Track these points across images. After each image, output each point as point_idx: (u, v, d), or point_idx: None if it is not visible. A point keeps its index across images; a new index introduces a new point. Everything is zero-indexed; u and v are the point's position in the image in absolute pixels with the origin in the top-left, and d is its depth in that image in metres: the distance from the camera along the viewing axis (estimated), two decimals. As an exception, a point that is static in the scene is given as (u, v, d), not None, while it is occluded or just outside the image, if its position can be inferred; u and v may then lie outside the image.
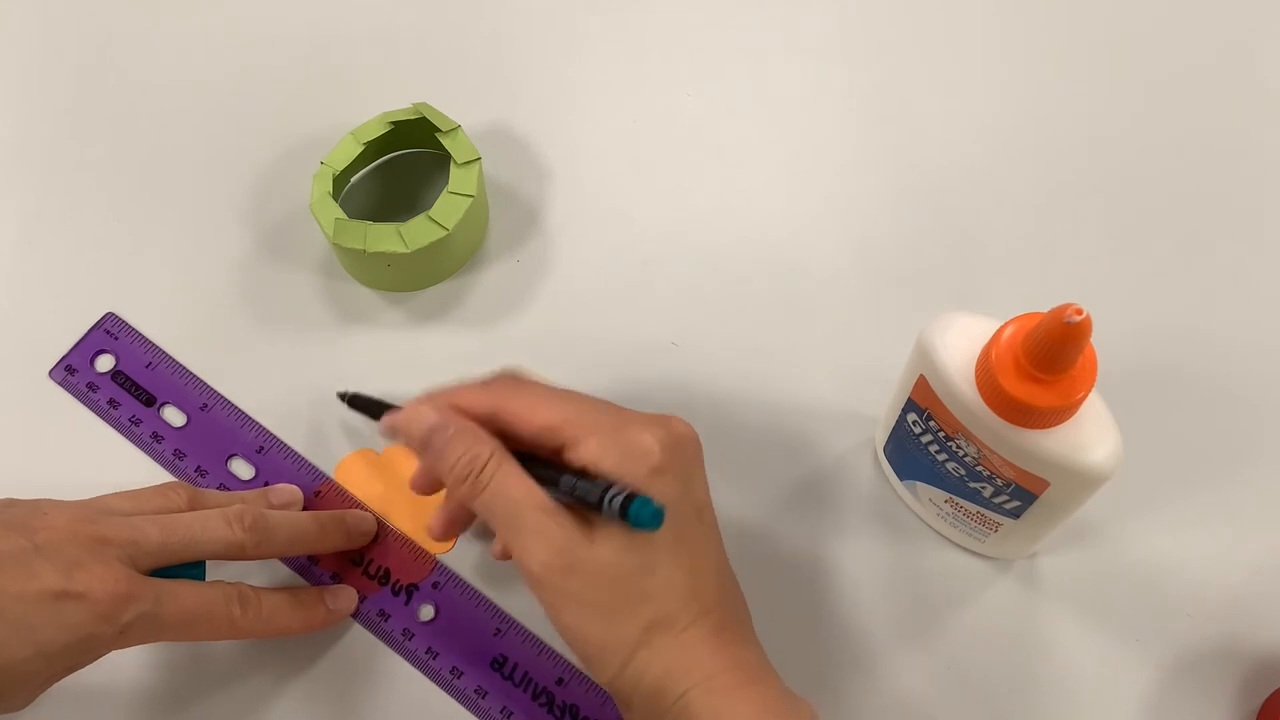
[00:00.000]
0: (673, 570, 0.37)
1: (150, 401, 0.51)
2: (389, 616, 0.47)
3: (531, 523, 0.38)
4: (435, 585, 0.47)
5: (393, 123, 0.53)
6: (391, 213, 0.55)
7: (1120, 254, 0.54)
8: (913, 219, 0.55)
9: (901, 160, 0.57)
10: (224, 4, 0.61)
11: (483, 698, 0.46)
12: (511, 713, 0.45)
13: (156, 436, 0.50)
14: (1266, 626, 0.46)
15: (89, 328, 0.53)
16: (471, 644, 0.46)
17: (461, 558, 0.48)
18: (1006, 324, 0.37)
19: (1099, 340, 0.36)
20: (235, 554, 0.43)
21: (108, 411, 0.51)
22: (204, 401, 0.51)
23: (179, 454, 0.50)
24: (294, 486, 0.49)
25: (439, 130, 0.53)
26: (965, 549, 0.48)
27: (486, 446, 0.39)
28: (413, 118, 0.53)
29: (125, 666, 0.46)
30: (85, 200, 0.56)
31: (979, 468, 0.42)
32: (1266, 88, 0.58)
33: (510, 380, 0.42)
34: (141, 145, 0.57)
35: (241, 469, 0.50)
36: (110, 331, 0.53)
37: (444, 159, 0.53)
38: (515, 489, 0.38)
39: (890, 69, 0.59)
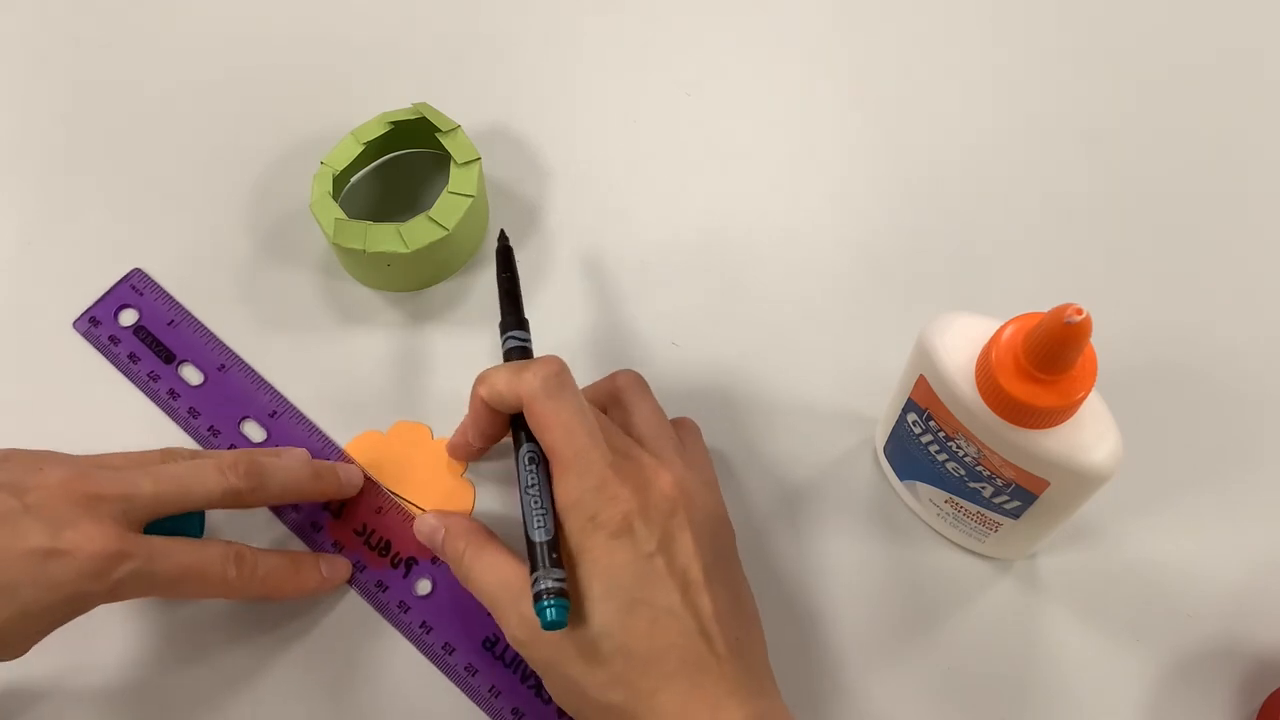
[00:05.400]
0: (623, 638, 0.38)
1: (169, 359, 0.52)
2: (386, 588, 0.47)
3: (499, 605, 0.42)
4: (435, 560, 0.48)
5: (393, 123, 0.53)
6: (391, 213, 0.55)
7: (1120, 254, 0.54)
8: (913, 219, 0.55)
9: (902, 160, 0.57)
10: (224, 4, 0.61)
11: (472, 675, 0.46)
12: (499, 693, 0.45)
13: (173, 394, 0.51)
14: (1266, 626, 0.46)
15: (114, 283, 0.53)
16: (466, 622, 0.47)
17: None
18: (1006, 324, 0.37)
19: (1099, 340, 0.36)
20: (232, 501, 0.43)
21: (127, 365, 0.52)
22: (222, 362, 0.52)
23: (193, 412, 0.51)
24: (303, 450, 0.49)
25: (439, 130, 0.53)
26: (965, 549, 0.48)
27: (462, 541, 0.44)
28: (413, 118, 0.53)
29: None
30: (85, 202, 0.56)
31: (979, 468, 0.42)
32: (1267, 86, 0.59)
33: (606, 389, 0.46)
34: (141, 146, 0.57)
35: (254, 431, 0.50)
36: (136, 287, 0.53)
37: (444, 159, 0.53)
38: (484, 576, 0.42)
39: (890, 69, 0.59)
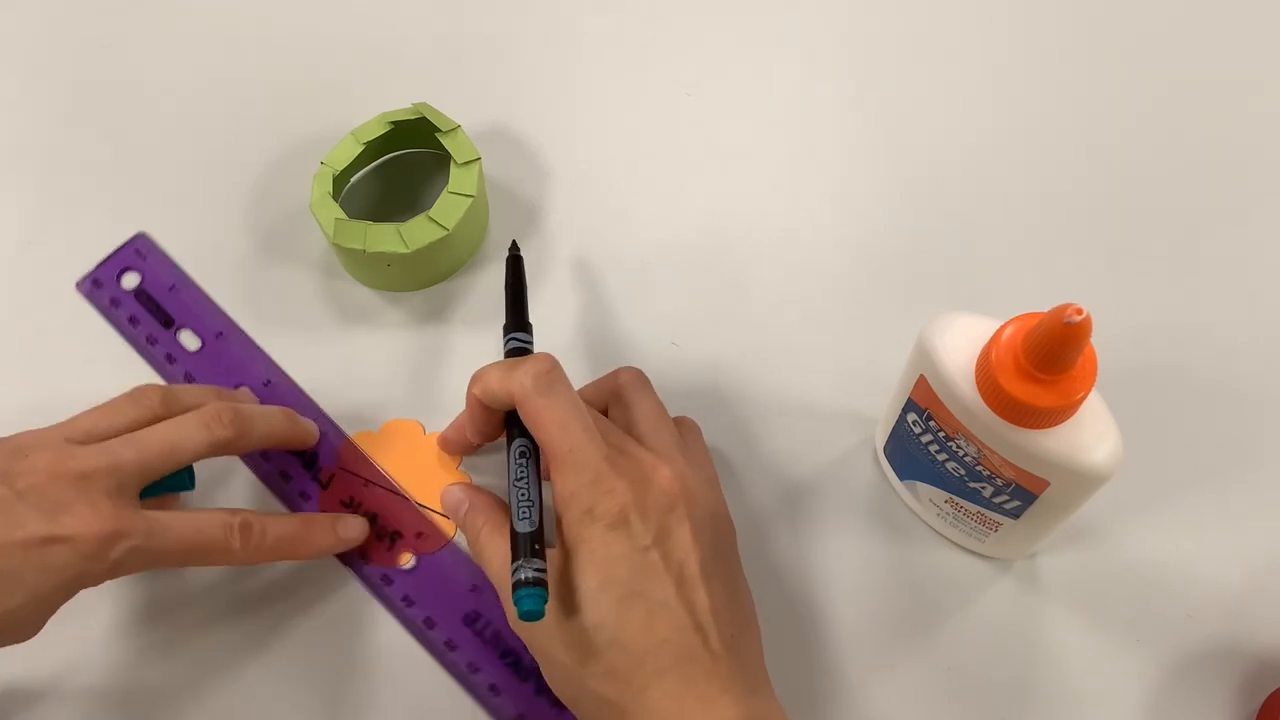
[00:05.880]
0: (617, 631, 0.38)
1: (169, 323, 0.52)
2: (370, 561, 0.48)
3: (503, 589, 0.41)
4: (419, 535, 0.48)
5: (393, 123, 0.53)
6: (391, 213, 0.55)
7: (1120, 254, 0.54)
8: (913, 219, 0.55)
9: (902, 160, 0.57)
10: (224, 5, 0.61)
11: (452, 650, 0.46)
12: (478, 669, 0.46)
13: (170, 358, 0.52)
14: (1266, 626, 0.46)
15: (118, 246, 0.54)
16: (448, 597, 0.47)
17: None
18: (1006, 324, 0.37)
19: (1099, 340, 0.36)
20: (219, 451, 0.44)
21: (127, 328, 0.52)
22: (220, 329, 0.52)
23: (189, 377, 0.51)
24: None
25: (439, 130, 0.53)
26: (965, 549, 0.48)
27: (481, 518, 0.44)
28: (413, 118, 0.53)
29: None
30: (86, 202, 0.56)
31: (979, 468, 0.42)
32: (1267, 87, 0.59)
33: (608, 386, 0.47)
34: (142, 146, 0.57)
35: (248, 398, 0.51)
36: (140, 251, 0.54)
37: (444, 159, 0.53)
38: (493, 559, 0.42)
39: (890, 69, 0.59)
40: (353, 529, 0.47)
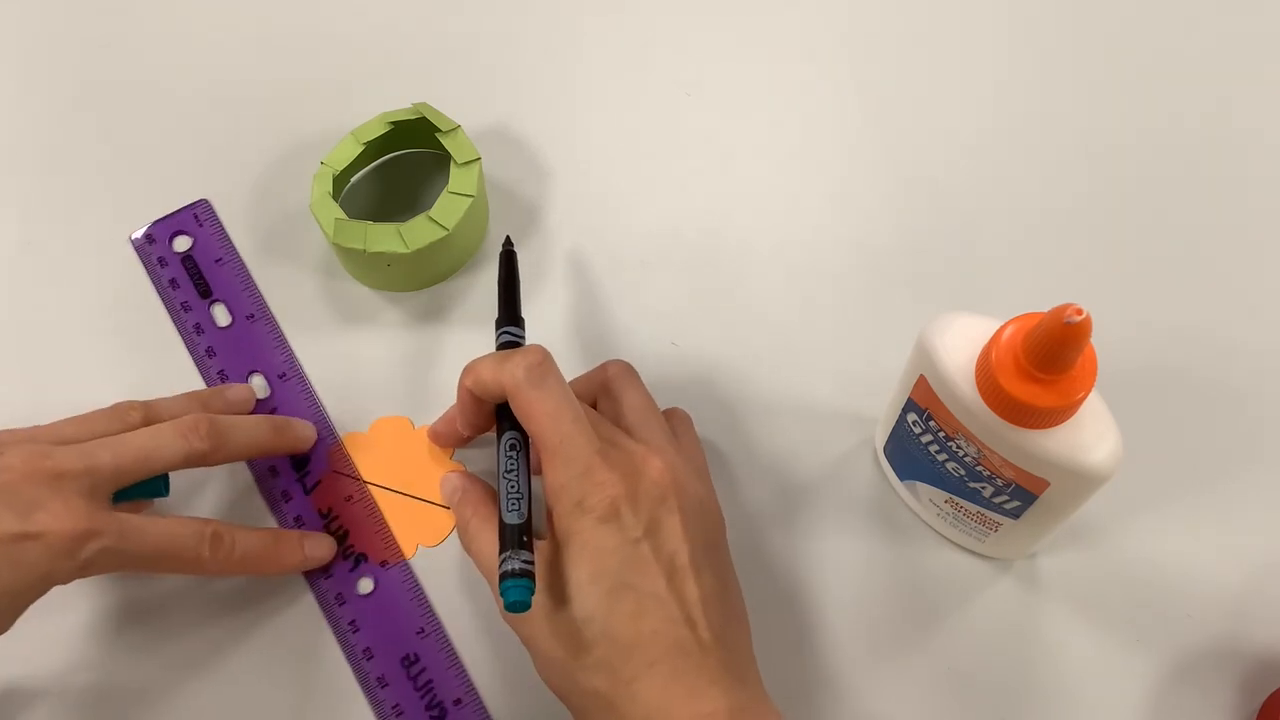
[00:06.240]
0: (607, 623, 0.38)
1: (206, 294, 0.53)
2: (330, 576, 0.47)
3: (491, 581, 0.41)
4: (384, 564, 0.48)
5: (393, 123, 0.53)
6: (391, 213, 0.55)
7: (1120, 254, 0.54)
8: (913, 219, 0.55)
9: (902, 160, 0.57)
10: (224, 5, 0.61)
11: (382, 687, 0.46)
12: (402, 712, 0.45)
13: (198, 328, 0.52)
14: (1266, 626, 0.46)
15: (180, 207, 0.55)
16: (393, 633, 0.47)
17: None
18: (1006, 324, 0.37)
19: (1099, 340, 0.36)
20: (195, 462, 0.44)
21: (166, 289, 0.53)
22: (252, 311, 0.53)
23: (210, 352, 0.52)
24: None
25: (439, 130, 0.53)
26: (965, 549, 0.48)
27: (470, 509, 0.44)
28: (413, 118, 0.53)
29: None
30: (86, 202, 0.56)
31: (979, 468, 0.42)
32: (1268, 87, 0.59)
33: (596, 379, 0.47)
34: (142, 146, 0.57)
35: (260, 388, 0.51)
36: (199, 216, 0.55)
37: (444, 159, 0.53)
38: (482, 550, 0.42)
39: (890, 69, 0.59)
40: (320, 548, 0.47)
